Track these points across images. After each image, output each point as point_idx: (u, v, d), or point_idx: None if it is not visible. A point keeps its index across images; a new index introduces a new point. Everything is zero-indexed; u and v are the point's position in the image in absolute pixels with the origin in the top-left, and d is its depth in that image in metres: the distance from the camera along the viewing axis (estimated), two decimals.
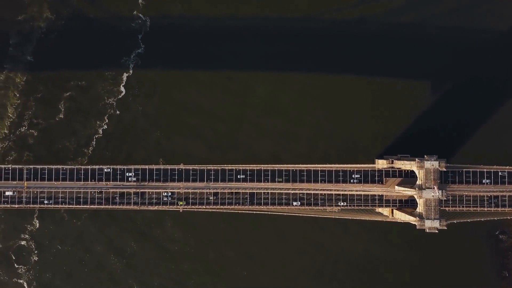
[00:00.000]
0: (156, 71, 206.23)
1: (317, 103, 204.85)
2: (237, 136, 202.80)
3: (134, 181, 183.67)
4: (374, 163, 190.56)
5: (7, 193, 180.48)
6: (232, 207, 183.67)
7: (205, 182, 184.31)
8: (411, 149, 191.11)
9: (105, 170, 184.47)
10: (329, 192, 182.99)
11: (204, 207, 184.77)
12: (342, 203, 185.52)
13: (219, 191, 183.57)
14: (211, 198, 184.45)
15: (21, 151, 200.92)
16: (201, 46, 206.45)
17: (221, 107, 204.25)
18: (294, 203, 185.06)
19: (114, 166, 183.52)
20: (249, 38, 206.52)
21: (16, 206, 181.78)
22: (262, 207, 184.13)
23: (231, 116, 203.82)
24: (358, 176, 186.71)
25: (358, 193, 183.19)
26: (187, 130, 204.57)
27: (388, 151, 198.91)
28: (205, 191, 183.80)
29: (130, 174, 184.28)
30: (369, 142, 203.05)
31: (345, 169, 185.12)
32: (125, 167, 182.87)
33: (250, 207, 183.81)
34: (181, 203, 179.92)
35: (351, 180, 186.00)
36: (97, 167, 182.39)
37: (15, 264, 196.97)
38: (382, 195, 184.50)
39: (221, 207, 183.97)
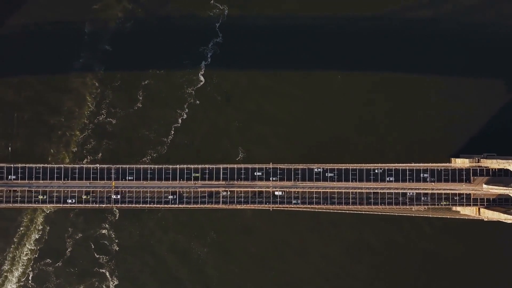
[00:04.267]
0: (233, 61, 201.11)
1: (389, 102, 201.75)
2: (315, 134, 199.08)
3: (222, 180, 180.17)
4: (450, 162, 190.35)
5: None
6: (320, 206, 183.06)
7: (292, 181, 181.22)
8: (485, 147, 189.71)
9: (193, 169, 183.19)
10: (417, 191, 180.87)
11: (293, 206, 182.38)
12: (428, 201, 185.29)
13: (307, 190, 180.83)
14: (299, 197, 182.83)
15: (100, 140, 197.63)
16: (275, 40, 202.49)
17: (301, 105, 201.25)
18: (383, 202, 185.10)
19: (203, 165, 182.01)
20: (323, 37, 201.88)
21: (104, 206, 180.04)
22: (350, 207, 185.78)
23: (312, 114, 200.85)
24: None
25: (446, 191, 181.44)
26: (265, 122, 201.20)
27: (463, 150, 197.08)
28: (292, 190, 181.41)
29: (218, 173, 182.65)
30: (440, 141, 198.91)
31: (433, 167, 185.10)
32: (214, 166, 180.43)
33: (336, 206, 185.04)
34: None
35: (440, 179, 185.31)
36: (185, 166, 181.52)
37: (95, 254, 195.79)
38: (470, 194, 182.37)
39: (309, 206, 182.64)
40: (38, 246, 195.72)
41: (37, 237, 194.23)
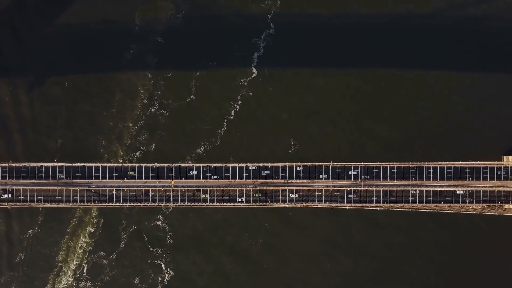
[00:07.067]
0: (286, 52, 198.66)
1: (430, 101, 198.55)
2: (373, 132, 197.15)
3: (281, 179, 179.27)
4: (501, 160, 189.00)
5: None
6: (379, 205, 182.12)
7: (352, 180, 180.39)
8: None
9: (251, 168, 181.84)
10: (476, 189, 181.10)
11: (353, 205, 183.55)
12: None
13: (367, 189, 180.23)
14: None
15: (153, 131, 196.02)
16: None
17: (357, 101, 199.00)
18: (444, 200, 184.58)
19: (261, 164, 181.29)
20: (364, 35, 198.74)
21: (163, 205, 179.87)
22: (409, 205, 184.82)
23: (369, 112, 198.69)
24: (504, 173, 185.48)
25: (506, 189, 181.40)
26: (318, 115, 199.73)
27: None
28: (352, 189, 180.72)
29: (276, 171, 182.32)
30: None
31: (492, 166, 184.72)
32: (273, 165, 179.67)
33: (395, 205, 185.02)
34: None
35: (500, 177, 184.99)
36: (244, 164, 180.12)
37: (149, 247, 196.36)
38: None
39: (368, 205, 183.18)
40: (93, 238, 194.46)
41: (92, 230, 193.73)
